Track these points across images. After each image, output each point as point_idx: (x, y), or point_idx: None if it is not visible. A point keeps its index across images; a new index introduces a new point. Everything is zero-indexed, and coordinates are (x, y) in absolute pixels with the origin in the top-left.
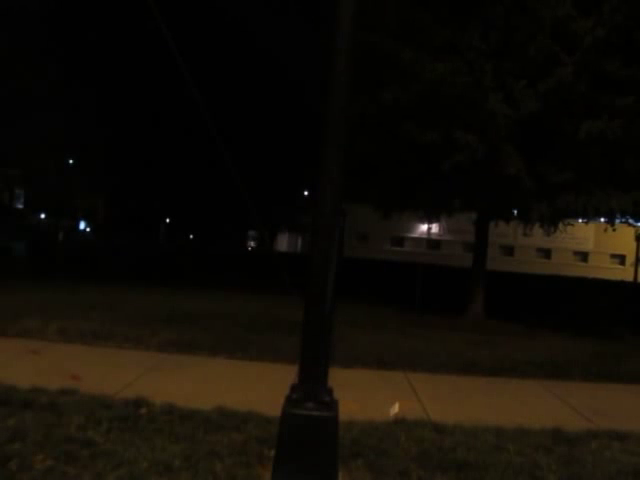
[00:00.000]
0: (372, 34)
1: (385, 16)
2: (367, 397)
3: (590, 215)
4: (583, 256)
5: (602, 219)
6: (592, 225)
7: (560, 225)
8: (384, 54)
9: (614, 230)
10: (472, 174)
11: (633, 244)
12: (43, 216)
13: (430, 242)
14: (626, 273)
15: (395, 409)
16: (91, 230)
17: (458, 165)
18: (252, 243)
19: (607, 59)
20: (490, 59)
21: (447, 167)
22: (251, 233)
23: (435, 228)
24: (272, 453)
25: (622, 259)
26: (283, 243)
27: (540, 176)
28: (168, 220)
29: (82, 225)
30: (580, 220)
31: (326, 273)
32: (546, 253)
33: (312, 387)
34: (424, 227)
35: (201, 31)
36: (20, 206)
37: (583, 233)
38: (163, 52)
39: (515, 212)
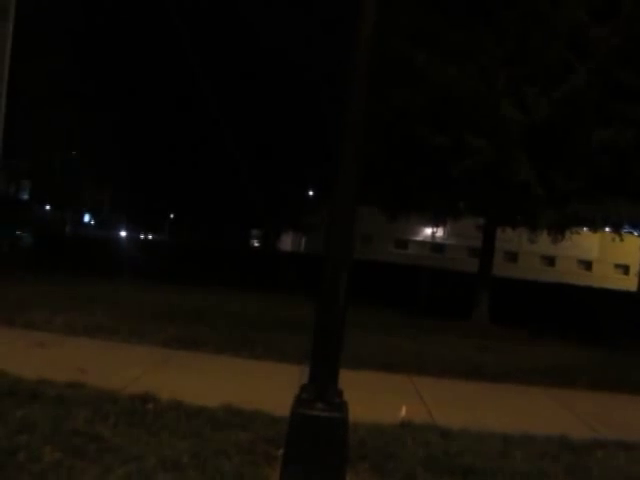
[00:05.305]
0: (385, 36)
1: (398, 19)
2: (372, 400)
3: (599, 224)
4: (587, 265)
5: (607, 229)
6: (597, 234)
7: (567, 233)
8: (396, 56)
9: (622, 240)
10: (481, 179)
11: (637, 254)
12: (48, 208)
13: (434, 246)
14: (630, 283)
15: (402, 412)
16: (95, 223)
17: (468, 170)
18: (255, 242)
19: (622, 68)
20: (504, 64)
21: (457, 171)
22: (254, 232)
23: (440, 232)
24: (279, 453)
25: (626, 269)
26: (287, 242)
27: (550, 183)
28: (172, 216)
29: (87, 218)
30: (586, 229)
31: (340, 274)
32: (550, 260)
33: (322, 388)
34: (428, 230)
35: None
36: (25, 197)
37: (588, 242)
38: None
39: (523, 218)
